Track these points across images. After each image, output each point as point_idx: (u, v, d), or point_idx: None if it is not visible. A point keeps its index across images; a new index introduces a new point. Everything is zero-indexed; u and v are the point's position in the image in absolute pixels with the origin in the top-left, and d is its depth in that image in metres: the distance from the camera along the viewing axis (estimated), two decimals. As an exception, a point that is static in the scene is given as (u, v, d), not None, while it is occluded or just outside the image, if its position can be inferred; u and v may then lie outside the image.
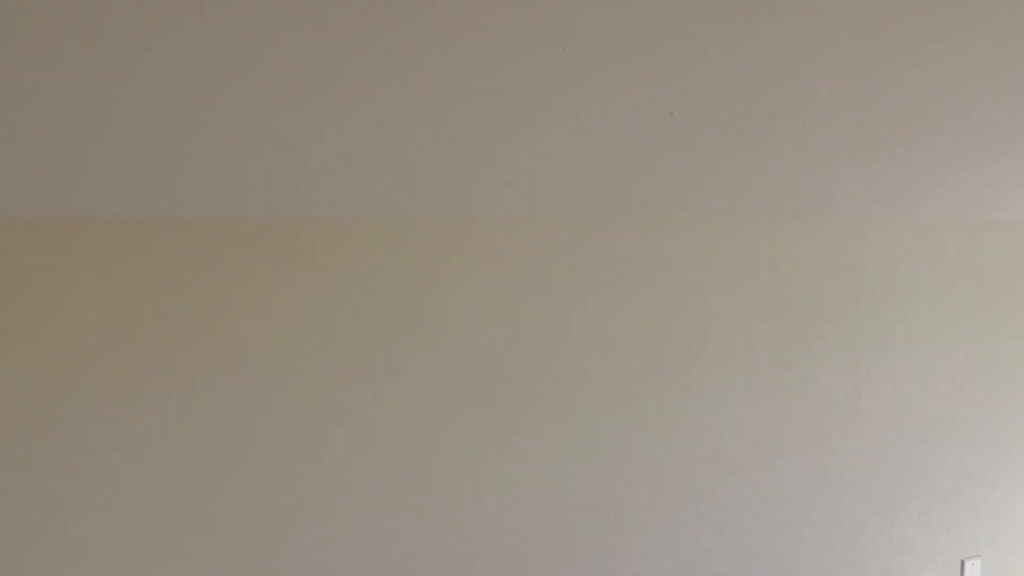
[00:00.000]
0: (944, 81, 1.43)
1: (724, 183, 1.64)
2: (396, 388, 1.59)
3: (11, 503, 1.39)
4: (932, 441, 2.12)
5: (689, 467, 1.84)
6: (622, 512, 1.78)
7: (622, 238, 1.71)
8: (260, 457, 1.52)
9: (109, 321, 1.43)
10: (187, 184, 1.36)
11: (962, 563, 2.20)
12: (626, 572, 1.79)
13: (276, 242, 1.52)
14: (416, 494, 1.61)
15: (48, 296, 1.40)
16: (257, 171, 1.31)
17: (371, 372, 1.57)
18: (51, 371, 1.40)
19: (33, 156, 1.18)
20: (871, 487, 2.05)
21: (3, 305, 1.38)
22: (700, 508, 1.86)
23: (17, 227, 1.38)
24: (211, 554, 1.49)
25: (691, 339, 1.80)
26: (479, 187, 1.46)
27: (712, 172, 1.57)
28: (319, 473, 1.55)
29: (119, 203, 1.41)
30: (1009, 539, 2.28)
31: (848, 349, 1.98)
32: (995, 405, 2.21)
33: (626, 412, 1.76)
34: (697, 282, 1.79)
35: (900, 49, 1.29)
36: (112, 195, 1.37)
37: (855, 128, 1.53)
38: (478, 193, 1.49)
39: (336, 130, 1.17)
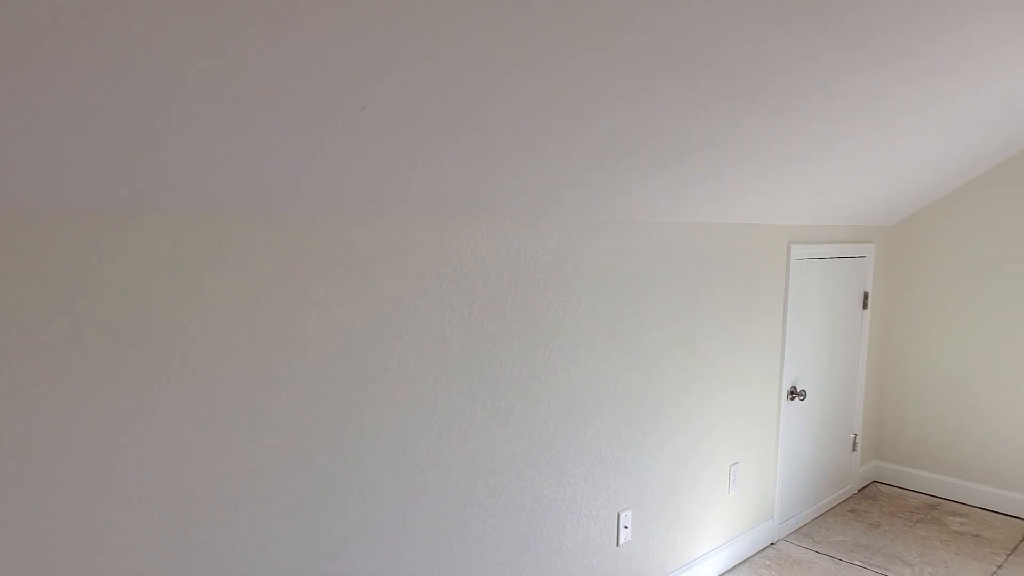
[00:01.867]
0: (578, 94, 1.66)
1: (412, 182, 1.70)
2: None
3: None
4: (595, 415, 2.45)
5: (377, 453, 1.87)
6: (335, 498, 1.76)
7: (306, 236, 1.68)
8: None
9: None
10: None
11: (617, 515, 2.57)
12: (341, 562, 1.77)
13: None
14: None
15: None
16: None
17: None
18: None
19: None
20: (546, 459, 2.30)
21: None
22: (392, 493, 1.91)
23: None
24: None
25: (383, 332, 1.84)
26: (151, 181, 1.33)
27: (399, 171, 1.62)
28: None
29: None
30: (653, 492, 2.72)
31: (526, 338, 2.19)
32: (640, 383, 2.62)
33: (322, 402, 1.74)
34: (384, 275, 1.83)
35: (547, 64, 1.46)
36: None
37: (526, 130, 1.70)
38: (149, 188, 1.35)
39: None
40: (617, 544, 2.59)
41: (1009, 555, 3.35)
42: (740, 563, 3.21)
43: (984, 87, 2.55)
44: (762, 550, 3.34)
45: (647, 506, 2.70)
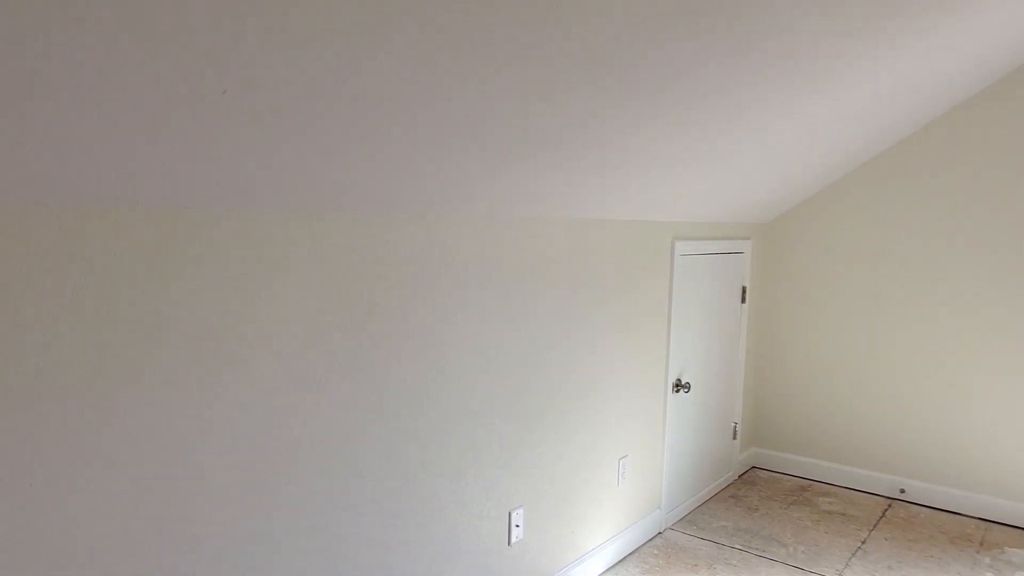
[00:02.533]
0: (491, 93, 1.61)
1: (281, 172, 1.59)
2: None
3: None
4: (488, 414, 2.41)
5: (263, 454, 1.76)
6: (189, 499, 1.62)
7: (156, 232, 1.55)
8: None
9: None
10: None
11: (509, 514, 2.55)
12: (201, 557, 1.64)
13: None
14: None
15: None
16: None
17: None
18: None
19: None
20: (439, 461, 2.24)
21: None
22: (268, 508, 1.80)
23: None
24: None
25: (253, 337, 1.72)
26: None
27: (264, 160, 1.52)
28: None
29: None
30: (544, 490, 2.72)
31: (416, 339, 2.13)
32: (532, 381, 2.61)
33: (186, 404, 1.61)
34: (249, 275, 1.72)
35: (452, 61, 1.41)
36: None
37: (421, 126, 1.63)
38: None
39: None
40: (509, 543, 2.57)
41: (871, 530, 3.60)
42: (630, 554, 3.27)
43: (843, 98, 2.71)
44: (650, 540, 3.43)
45: (539, 504, 2.70)
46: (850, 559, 3.27)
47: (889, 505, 3.94)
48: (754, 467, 4.51)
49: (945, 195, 3.78)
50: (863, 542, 3.46)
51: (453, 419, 2.29)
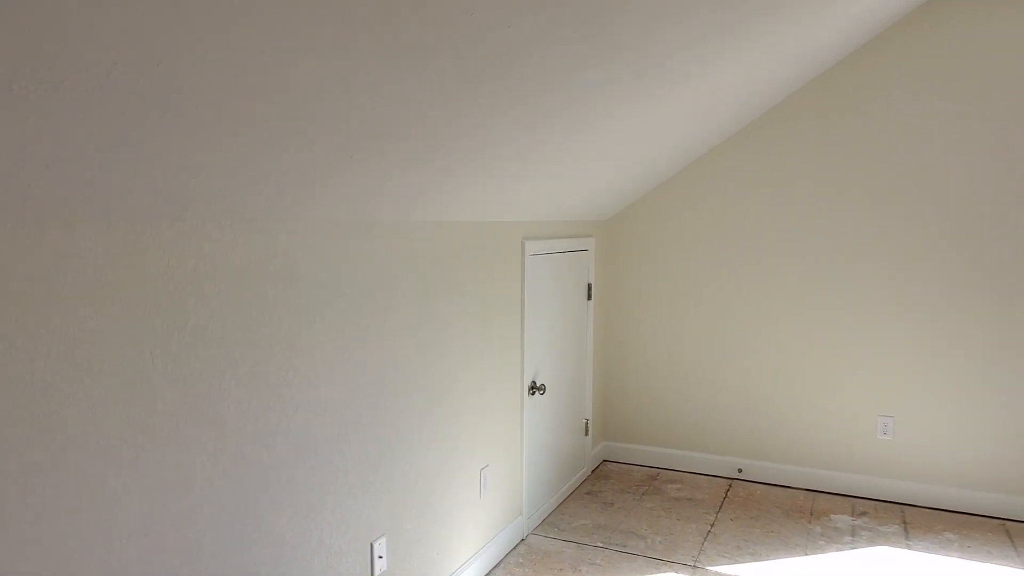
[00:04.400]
0: (325, 83, 1.41)
1: (94, 176, 1.29)
2: None
3: None
4: (341, 440, 2.18)
5: (59, 529, 1.43)
6: None
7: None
8: None
9: None
10: None
11: (371, 545, 2.34)
12: None
13: None
14: None
15: None
16: None
17: None
18: None
19: None
20: (290, 497, 1.99)
21: None
22: (93, 561, 1.47)
23: None
24: None
25: (54, 378, 1.39)
26: None
27: (82, 162, 1.22)
28: None
29: None
30: (407, 513, 2.53)
31: (255, 362, 1.86)
32: (387, 397, 2.41)
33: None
34: (47, 297, 1.39)
35: (293, 56, 1.19)
36: None
37: (250, 117, 1.39)
38: None
39: None
40: (372, 577, 2.35)
41: (718, 512, 3.77)
42: (495, 566, 3.16)
43: (673, 101, 2.77)
44: (514, 548, 3.35)
45: (401, 529, 2.51)
46: (703, 543, 3.39)
47: (730, 485, 4.16)
48: (605, 460, 4.60)
49: (772, 190, 4.05)
50: (712, 525, 3.60)
51: (304, 449, 2.04)
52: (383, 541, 2.39)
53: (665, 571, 3.12)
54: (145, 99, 1.16)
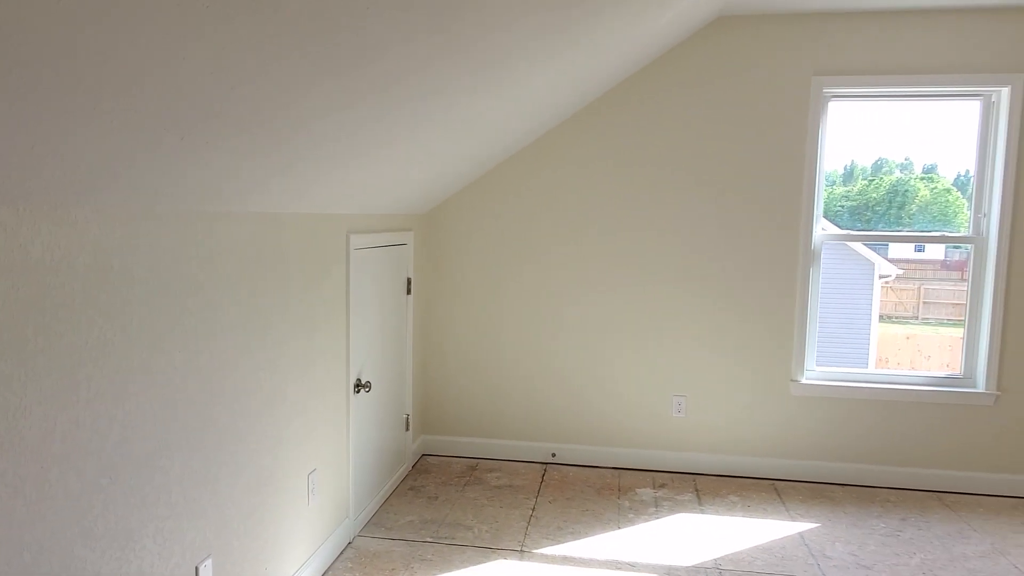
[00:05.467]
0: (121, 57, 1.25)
1: None
2: None
3: None
4: (162, 455, 1.95)
5: None
6: None
7: None
8: None
9: None
10: None
11: (196, 568, 2.12)
12: None
13: None
14: None
15: None
16: None
17: None
18: None
19: None
20: (101, 527, 1.73)
21: None
22: None
23: None
24: None
25: None
26: None
27: None
28: None
29: None
30: (234, 529, 2.33)
31: (62, 373, 1.59)
32: (211, 404, 2.19)
33: None
34: None
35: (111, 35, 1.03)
36: None
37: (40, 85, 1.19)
38: None
39: None
40: (197, 603, 2.13)
41: (537, 496, 3.92)
42: (324, 574, 3.02)
43: (503, 97, 2.84)
44: (342, 552, 3.22)
45: (229, 547, 2.30)
46: (527, 528, 3.51)
47: (545, 470, 4.35)
48: (424, 455, 4.58)
49: (577, 185, 4.27)
50: (533, 510, 3.74)
51: (121, 468, 1.79)
52: (209, 563, 2.17)
53: (495, 559, 3.19)
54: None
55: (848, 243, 5.56)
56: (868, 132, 4.42)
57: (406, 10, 1.59)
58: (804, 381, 4.17)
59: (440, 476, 4.21)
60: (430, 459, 4.51)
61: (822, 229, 4.15)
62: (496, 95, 2.73)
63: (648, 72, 4.12)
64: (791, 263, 4.11)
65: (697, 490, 4.06)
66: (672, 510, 3.77)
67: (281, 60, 1.49)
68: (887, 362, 10.31)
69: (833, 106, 4.08)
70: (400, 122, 2.37)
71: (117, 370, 1.77)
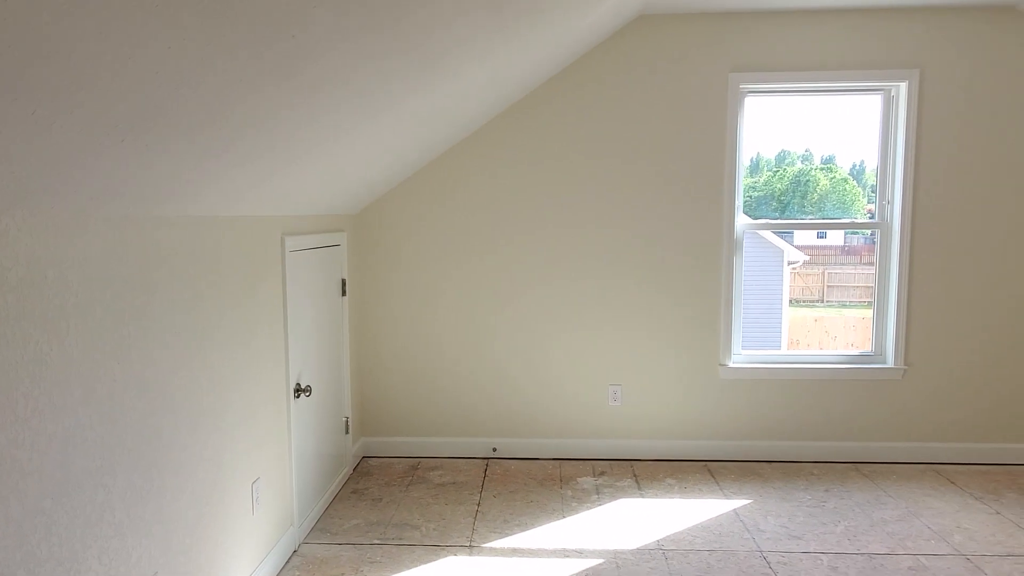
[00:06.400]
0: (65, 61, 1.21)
1: None
2: None
3: None
4: (104, 472, 1.86)
5: None
6: None
7: None
8: None
9: None
10: None
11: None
12: None
13: None
14: None
15: None
16: None
17: None
18: None
19: None
20: (45, 552, 1.65)
21: None
22: None
23: None
24: None
25: None
26: None
27: None
28: None
29: None
30: (178, 544, 2.25)
31: (0, 385, 1.51)
32: (152, 414, 2.11)
33: None
34: None
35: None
36: None
37: None
38: None
39: None
40: (146, 623, 2.05)
41: (481, 491, 3.95)
42: (270, 584, 2.95)
43: (442, 93, 2.85)
44: (288, 560, 3.15)
45: (175, 563, 2.22)
46: (474, 523, 3.53)
47: (487, 465, 4.38)
48: (365, 457, 4.53)
49: (509, 180, 4.31)
50: (478, 505, 3.77)
51: (63, 488, 1.71)
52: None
53: (445, 556, 3.20)
54: None
55: (759, 232, 5.84)
56: (772, 126, 4.65)
57: (346, 13, 1.58)
58: (732, 365, 4.36)
59: (382, 477, 4.17)
60: (371, 461, 4.46)
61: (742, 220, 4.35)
62: (428, 94, 2.73)
63: (573, 70, 4.20)
64: (715, 252, 4.29)
65: (636, 475, 4.18)
66: (613, 496, 3.88)
67: (228, 58, 1.46)
68: (798, 344, 10.81)
69: (748, 101, 4.27)
70: (338, 123, 2.35)
71: (55, 384, 1.68)
